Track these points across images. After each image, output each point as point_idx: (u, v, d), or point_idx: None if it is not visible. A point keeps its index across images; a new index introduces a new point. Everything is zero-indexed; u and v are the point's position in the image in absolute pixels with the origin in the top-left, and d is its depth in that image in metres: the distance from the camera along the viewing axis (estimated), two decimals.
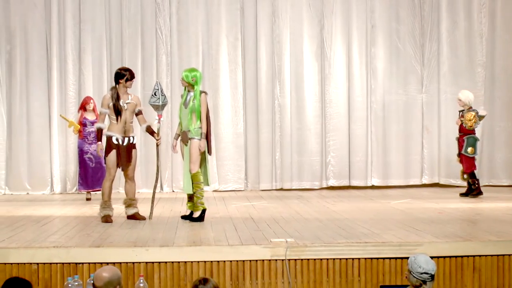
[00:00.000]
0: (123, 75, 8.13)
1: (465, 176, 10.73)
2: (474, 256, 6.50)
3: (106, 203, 8.16)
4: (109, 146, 8.11)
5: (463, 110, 10.75)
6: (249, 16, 12.29)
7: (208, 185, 8.43)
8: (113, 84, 8.29)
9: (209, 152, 8.26)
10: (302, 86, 12.35)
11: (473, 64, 12.41)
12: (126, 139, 8.15)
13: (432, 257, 5.24)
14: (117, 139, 8.09)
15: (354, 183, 12.35)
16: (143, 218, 8.25)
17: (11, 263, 6.23)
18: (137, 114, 8.32)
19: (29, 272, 6.16)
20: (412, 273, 5.06)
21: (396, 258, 6.43)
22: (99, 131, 8.17)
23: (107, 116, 8.21)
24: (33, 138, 12.00)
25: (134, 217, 8.26)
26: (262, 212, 9.13)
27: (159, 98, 8.25)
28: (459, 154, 10.69)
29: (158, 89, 8.29)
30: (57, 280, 6.23)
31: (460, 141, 10.69)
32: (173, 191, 12.00)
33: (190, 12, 12.22)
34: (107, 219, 8.08)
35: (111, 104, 8.09)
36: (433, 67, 12.43)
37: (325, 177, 12.37)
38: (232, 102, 12.27)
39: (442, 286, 6.44)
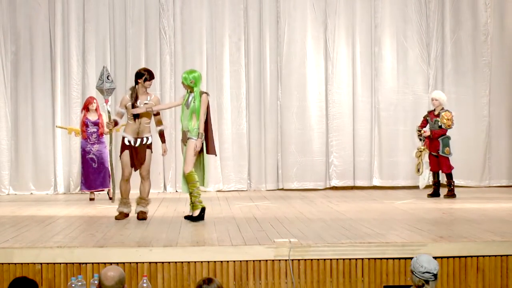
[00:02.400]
0: (142, 75, 8.16)
1: (434, 176, 10.72)
2: (478, 256, 6.48)
3: (121, 200, 8.30)
4: (123, 146, 8.19)
5: (433, 110, 10.71)
6: (253, 16, 12.29)
7: (203, 185, 8.37)
8: (133, 84, 8.33)
9: (208, 152, 8.20)
10: (305, 86, 12.35)
11: (479, 63, 12.39)
12: (139, 140, 8.17)
13: (435, 258, 5.24)
14: (129, 141, 8.13)
15: (358, 183, 12.35)
16: (145, 218, 8.29)
17: (15, 263, 6.23)
18: (155, 115, 8.33)
19: (33, 272, 6.16)
20: (414, 273, 5.05)
21: (399, 258, 6.42)
22: (115, 122, 8.35)
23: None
24: (37, 139, 12.02)
25: (137, 215, 8.29)
26: (265, 212, 9.12)
27: (103, 82, 8.28)
28: (429, 154, 10.65)
29: (103, 74, 8.33)
30: (61, 280, 6.23)
31: (432, 142, 10.61)
32: (176, 191, 12.00)
33: (194, 13, 12.23)
34: (117, 216, 8.22)
35: (129, 104, 8.13)
36: (439, 67, 12.41)
37: (328, 177, 12.37)
38: (235, 102, 12.27)
39: (445, 287, 6.43)
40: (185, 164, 8.07)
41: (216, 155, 8.49)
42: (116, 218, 8.24)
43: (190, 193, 8.14)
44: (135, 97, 8.15)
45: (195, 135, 8.05)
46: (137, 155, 8.19)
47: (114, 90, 8.54)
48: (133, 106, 8.13)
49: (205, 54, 12.23)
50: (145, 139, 8.23)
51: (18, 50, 12.03)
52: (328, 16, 12.36)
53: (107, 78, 8.30)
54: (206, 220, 8.22)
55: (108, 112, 8.38)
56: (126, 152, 8.17)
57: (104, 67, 8.58)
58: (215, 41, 12.26)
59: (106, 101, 8.38)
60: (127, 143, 8.16)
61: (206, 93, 8.22)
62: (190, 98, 8.13)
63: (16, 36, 12.02)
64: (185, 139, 8.12)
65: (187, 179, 8.09)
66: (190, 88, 8.13)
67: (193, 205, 8.19)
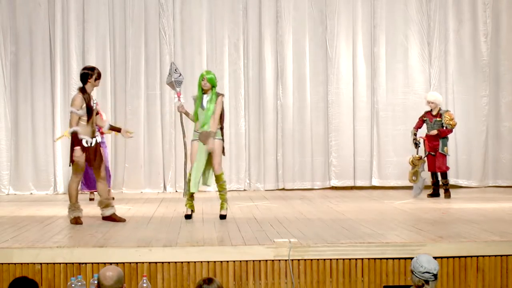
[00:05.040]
0: (91, 74, 7.89)
1: (430, 175, 10.75)
2: (477, 256, 6.49)
3: (75, 205, 8.02)
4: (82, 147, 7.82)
5: (430, 111, 10.71)
6: (252, 16, 12.29)
7: (208, 184, 8.52)
8: (81, 85, 7.98)
9: (223, 153, 8.35)
10: (305, 86, 12.35)
11: (478, 63, 12.39)
12: (94, 139, 7.96)
13: (435, 258, 5.24)
14: (87, 142, 7.87)
15: (358, 183, 12.36)
16: (122, 220, 8.10)
17: (15, 263, 6.23)
18: (96, 113, 8.12)
19: (33, 272, 6.16)
20: (414, 273, 5.05)
21: (399, 258, 6.42)
22: (76, 135, 7.76)
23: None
24: (37, 139, 12.03)
25: (111, 218, 8.10)
26: (265, 212, 9.12)
27: (171, 75, 8.27)
28: (427, 155, 10.65)
29: (171, 69, 8.33)
30: (61, 280, 6.23)
31: (431, 141, 10.61)
32: (176, 191, 11.99)
33: (193, 13, 12.24)
34: (77, 220, 7.94)
35: (84, 105, 7.80)
36: (440, 66, 12.40)
37: (327, 177, 12.37)
38: (234, 102, 12.28)
39: (445, 287, 6.43)
40: (218, 165, 8.17)
41: (224, 155, 8.52)
42: (77, 223, 7.88)
43: (222, 192, 8.27)
44: (88, 98, 7.84)
45: (219, 135, 8.15)
46: (95, 155, 7.94)
47: (182, 82, 8.39)
48: (88, 107, 7.79)
49: (205, 54, 12.23)
50: (98, 138, 8.03)
51: (17, 50, 12.04)
52: (328, 16, 12.36)
53: (175, 71, 8.24)
54: (205, 220, 8.26)
55: (181, 104, 8.21)
56: (83, 155, 7.82)
57: (172, 63, 8.62)
58: (214, 41, 12.26)
59: (179, 94, 8.28)
60: (85, 145, 7.83)
61: (222, 94, 8.32)
62: (206, 98, 8.14)
63: (16, 36, 12.03)
64: (204, 139, 8.11)
65: (219, 179, 8.23)
66: (209, 89, 8.13)
67: (222, 204, 8.31)
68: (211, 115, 8.12)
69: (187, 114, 8.33)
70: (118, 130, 8.45)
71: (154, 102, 12.19)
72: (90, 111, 7.86)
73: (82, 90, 7.89)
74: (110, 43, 12.15)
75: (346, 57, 12.43)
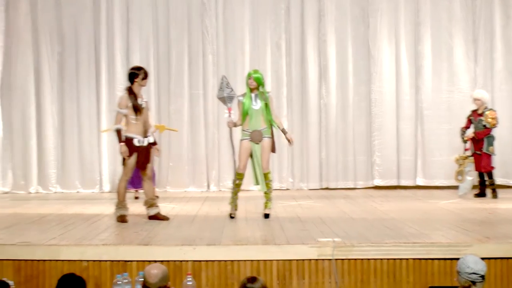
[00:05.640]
0: (138, 74, 7.98)
1: (484, 175, 10.55)
2: None
3: (122, 203, 8.10)
4: (131, 147, 7.92)
5: (476, 109, 10.55)
6: (294, 16, 12.28)
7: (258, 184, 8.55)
8: (128, 84, 8.06)
9: (273, 150, 8.38)
10: (347, 85, 12.30)
11: None
12: (146, 139, 8.03)
13: (482, 258, 5.16)
14: (138, 141, 7.95)
15: (402, 182, 12.25)
16: (166, 219, 8.17)
17: (62, 260, 6.34)
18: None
19: (80, 269, 6.24)
20: (460, 273, 4.98)
21: (445, 259, 6.35)
22: (119, 132, 7.92)
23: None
24: (83, 138, 12.20)
25: (156, 217, 8.17)
26: (308, 211, 9.11)
27: (223, 91, 8.28)
28: (473, 154, 10.49)
29: (223, 83, 8.33)
30: (107, 277, 6.31)
31: (476, 141, 10.46)
32: (220, 190, 12.04)
33: (236, 12, 12.27)
34: (123, 219, 8.03)
35: (130, 104, 7.91)
36: (487, 64, 12.21)
37: (370, 177, 12.30)
38: (276, 101, 12.20)
39: None
40: (267, 163, 8.23)
41: (275, 152, 8.55)
42: (123, 221, 8.00)
43: (267, 191, 8.29)
44: (134, 97, 7.94)
45: (268, 134, 8.17)
46: (145, 155, 8.02)
47: (234, 98, 8.31)
48: (134, 105, 7.88)
49: (247, 54, 12.25)
50: (150, 138, 8.08)
51: (63, 50, 12.21)
52: (370, 15, 12.28)
53: (226, 86, 8.23)
54: (248, 219, 8.28)
55: (231, 119, 8.16)
56: (134, 154, 7.93)
57: (223, 76, 8.55)
58: (256, 40, 12.28)
59: (229, 110, 8.22)
60: (136, 144, 7.92)
61: (269, 92, 8.38)
62: (254, 97, 8.17)
63: (62, 37, 12.20)
64: (257, 139, 8.15)
65: (266, 177, 8.26)
66: (255, 88, 8.17)
67: (266, 203, 8.34)
68: (262, 113, 8.15)
69: (235, 125, 8.34)
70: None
71: (197, 102, 12.26)
72: (137, 110, 7.93)
73: (129, 90, 7.99)
74: (154, 43, 12.25)
75: (389, 55, 12.34)
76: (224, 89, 8.25)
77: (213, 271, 6.32)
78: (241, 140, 8.28)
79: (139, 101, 7.98)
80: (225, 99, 8.26)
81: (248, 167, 8.31)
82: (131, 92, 7.96)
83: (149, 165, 8.16)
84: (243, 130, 8.27)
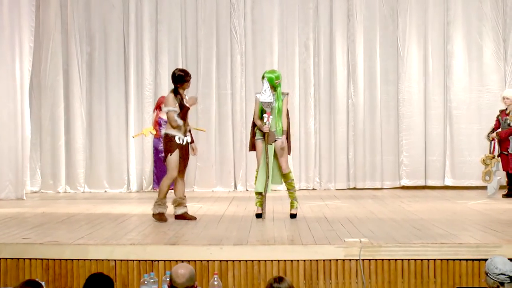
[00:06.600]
0: (184, 77, 8.08)
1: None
2: None
3: (162, 201, 8.15)
4: (173, 145, 8.04)
5: (505, 109, 10.43)
6: (323, 15, 12.26)
7: (281, 183, 8.53)
8: (173, 85, 8.17)
9: (288, 152, 8.34)
10: (375, 85, 12.25)
11: None
12: (185, 138, 8.14)
13: (510, 259, 5.11)
14: (179, 139, 8.06)
15: (430, 183, 12.17)
16: (193, 218, 8.20)
17: (90, 259, 6.39)
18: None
19: (107, 268, 6.29)
20: (488, 274, 4.95)
21: (473, 259, 6.29)
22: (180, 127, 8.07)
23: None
24: (111, 138, 12.28)
25: (183, 217, 8.20)
26: (335, 211, 9.08)
27: (270, 95, 8.05)
28: (500, 154, 10.37)
29: (268, 87, 8.09)
30: (134, 277, 6.35)
31: (502, 141, 10.33)
32: (247, 190, 12.06)
33: (264, 12, 12.28)
34: (161, 217, 8.07)
35: (177, 104, 8.02)
36: None
37: (398, 177, 12.23)
38: (304, 101, 12.27)
39: None
40: (286, 163, 8.23)
41: (289, 154, 8.51)
42: (161, 220, 8.06)
43: (291, 191, 8.30)
44: (181, 98, 8.06)
45: (281, 134, 8.14)
46: (185, 153, 8.15)
47: (271, 104, 8.09)
48: (182, 106, 8.00)
49: (276, 53, 12.25)
50: (189, 137, 8.22)
51: (92, 51, 12.32)
52: (399, 14, 12.22)
53: (264, 91, 8.08)
54: (275, 219, 8.28)
55: (265, 123, 8.08)
56: (177, 151, 8.03)
57: (265, 78, 8.22)
58: (285, 40, 12.28)
59: (269, 114, 8.10)
60: (178, 142, 8.04)
61: (287, 93, 8.33)
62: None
63: (91, 37, 12.31)
64: (271, 139, 8.13)
65: (287, 177, 8.27)
66: (272, 88, 8.15)
67: (292, 203, 8.34)
68: (277, 114, 8.13)
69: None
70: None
71: (225, 102, 12.29)
72: (184, 110, 8.05)
73: (175, 92, 8.10)
74: (182, 43, 12.31)
75: (418, 55, 12.26)
76: (270, 94, 8.14)
77: (240, 271, 6.33)
78: (256, 139, 8.30)
79: (185, 101, 8.09)
80: (269, 104, 8.12)
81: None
82: (176, 94, 8.07)
83: (186, 164, 8.27)
84: (258, 130, 8.26)
